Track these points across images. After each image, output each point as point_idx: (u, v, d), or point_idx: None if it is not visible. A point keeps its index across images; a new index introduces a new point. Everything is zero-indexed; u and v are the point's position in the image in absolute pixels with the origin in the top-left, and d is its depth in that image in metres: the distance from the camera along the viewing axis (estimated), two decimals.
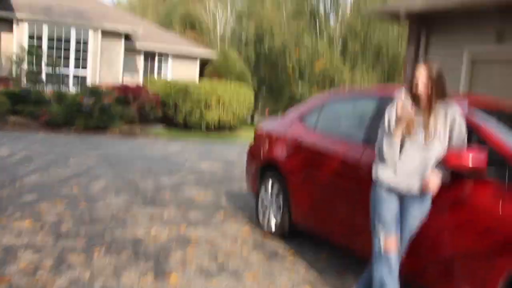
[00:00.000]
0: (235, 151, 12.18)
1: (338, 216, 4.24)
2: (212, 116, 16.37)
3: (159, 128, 15.57)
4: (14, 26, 16.38)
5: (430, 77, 3.17)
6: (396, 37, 26.79)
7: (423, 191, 3.17)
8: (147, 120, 15.55)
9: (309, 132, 4.96)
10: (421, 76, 3.19)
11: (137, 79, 19.43)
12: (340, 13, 29.45)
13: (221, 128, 17.20)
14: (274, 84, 28.82)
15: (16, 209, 5.28)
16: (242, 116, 17.91)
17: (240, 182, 7.99)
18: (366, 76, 26.74)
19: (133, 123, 14.57)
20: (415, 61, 8.93)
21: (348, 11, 29.02)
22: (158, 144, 12.41)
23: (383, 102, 4.05)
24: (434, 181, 3.14)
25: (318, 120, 5.01)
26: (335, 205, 4.29)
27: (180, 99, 15.95)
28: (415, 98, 3.23)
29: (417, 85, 3.20)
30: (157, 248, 4.46)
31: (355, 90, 5.14)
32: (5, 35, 16.51)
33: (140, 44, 19.52)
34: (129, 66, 19.13)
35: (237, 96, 16.93)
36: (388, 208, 3.24)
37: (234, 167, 9.60)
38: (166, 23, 31.83)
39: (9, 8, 16.44)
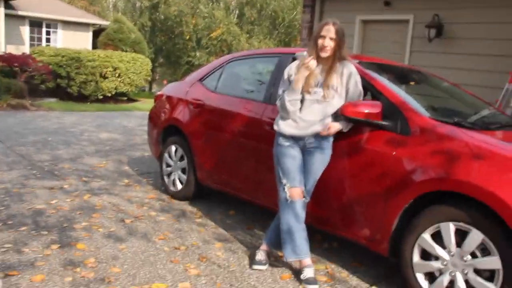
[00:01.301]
0: (134, 121, 11.89)
1: (243, 172, 4.33)
2: (109, 86, 15.83)
3: (52, 100, 14.73)
4: None
5: (337, 35, 3.28)
6: (291, 5, 27.30)
7: (323, 134, 3.31)
8: (38, 92, 14.62)
9: (210, 93, 4.96)
10: (330, 33, 3.27)
11: (23, 49, 18.11)
12: None
13: (118, 98, 16.68)
14: (171, 52, 28.29)
15: None
16: (140, 85, 17.52)
17: (142, 149, 7.85)
18: (263, 44, 27.07)
19: (22, 96, 13.62)
20: (311, 27, 9.20)
21: None
22: (52, 117, 11.75)
23: (283, 60, 4.15)
24: (334, 125, 3.31)
25: (219, 81, 5.02)
26: (240, 162, 4.37)
27: (73, 69, 15.17)
28: (317, 56, 3.33)
29: (323, 41, 3.28)
30: (60, 218, 4.28)
31: (255, 50, 5.20)
32: None
33: (24, 12, 18.15)
34: (12, 36, 17.75)
35: (134, 65, 16.49)
36: (292, 159, 3.37)
37: (134, 135, 9.38)
38: None
39: None
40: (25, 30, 18.65)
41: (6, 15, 17.00)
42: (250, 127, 4.26)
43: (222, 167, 4.62)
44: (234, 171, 4.46)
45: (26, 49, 18.24)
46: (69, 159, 6.82)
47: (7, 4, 17.10)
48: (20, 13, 17.96)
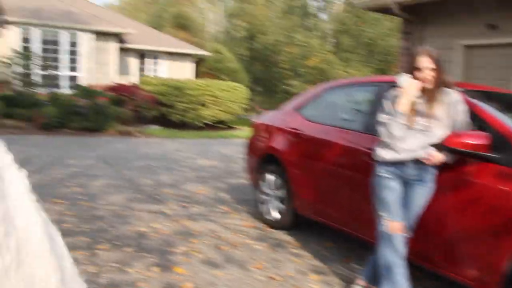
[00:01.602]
0: (232, 148, 12.17)
1: (341, 204, 4.26)
2: (208, 114, 16.39)
3: (155, 127, 15.55)
4: (5, 30, 16.31)
5: (433, 64, 3.17)
6: (389, 31, 26.87)
7: (426, 162, 3.18)
8: (143, 120, 15.52)
9: (307, 122, 4.97)
10: (425, 62, 3.17)
11: (132, 79, 19.39)
12: (332, 8, 29.50)
13: (217, 126, 17.20)
14: (268, 81, 28.85)
15: None
16: (238, 113, 17.95)
17: (240, 177, 7.99)
18: (360, 71, 26.81)
19: (129, 123, 14.54)
20: (410, 53, 8.94)
21: (340, 6, 29.06)
22: (155, 143, 12.39)
23: (382, 89, 4.06)
24: (437, 155, 3.16)
25: (316, 110, 5.02)
26: (336, 193, 4.31)
27: (175, 97, 15.95)
28: (419, 85, 3.22)
29: (421, 71, 3.18)
30: (160, 242, 4.46)
31: (352, 78, 5.16)
32: None
33: (133, 45, 19.49)
34: (123, 67, 19.10)
35: (232, 93, 16.97)
36: (392, 191, 3.25)
37: (232, 162, 9.60)
38: (157, 24, 31.76)
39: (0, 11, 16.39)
40: (134, 62, 19.99)
41: (119, 49, 18.38)
42: (347, 157, 4.20)
43: (319, 197, 4.57)
44: (330, 201, 4.40)
45: (134, 79, 19.50)
46: (170, 184, 7.11)
47: (120, 39, 18.49)
48: (130, 46, 19.32)
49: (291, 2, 29.38)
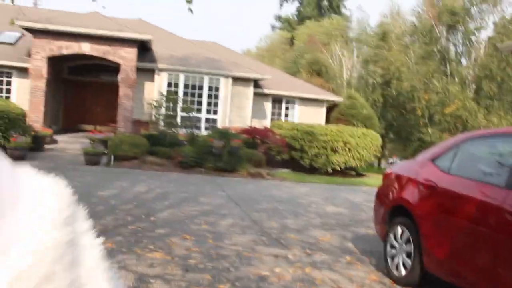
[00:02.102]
0: (361, 196, 11.84)
1: (480, 267, 3.84)
2: (338, 160, 16.26)
3: (285, 171, 15.74)
4: (156, 75, 17.88)
5: None
6: None
7: None
8: (273, 163, 15.81)
9: (443, 175, 4.63)
10: None
11: (265, 123, 19.97)
12: (473, 53, 28.02)
13: (347, 172, 16.96)
14: (402, 128, 27.95)
15: (150, 242, 5.54)
16: (369, 160, 17.56)
17: (367, 226, 7.68)
18: (503, 121, 24.85)
19: (260, 165, 14.89)
20: None
21: (482, 51, 27.50)
22: (284, 187, 12.50)
23: None
24: None
25: (453, 162, 4.67)
26: (474, 253, 3.90)
27: (306, 142, 16.06)
28: None
29: None
30: (280, 287, 4.38)
31: (495, 129, 4.74)
32: (148, 84, 18.02)
33: (268, 90, 20.15)
34: (257, 111, 19.78)
35: (364, 140, 16.70)
36: None
37: (360, 211, 9.30)
38: (293, 70, 32.70)
39: (153, 60, 18.05)
40: (268, 106, 20.62)
41: (254, 94, 19.13)
42: (488, 214, 3.81)
43: (453, 257, 4.18)
44: (466, 263, 4.00)
45: (267, 123, 20.08)
46: (295, 229, 7.05)
47: (256, 84, 19.28)
48: (265, 91, 20.02)
49: (429, 47, 28.45)
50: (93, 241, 0.61)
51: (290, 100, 20.97)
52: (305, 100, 20.96)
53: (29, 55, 16.60)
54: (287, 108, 21.06)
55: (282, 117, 20.84)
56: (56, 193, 0.59)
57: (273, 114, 20.82)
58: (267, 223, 7.27)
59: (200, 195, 9.50)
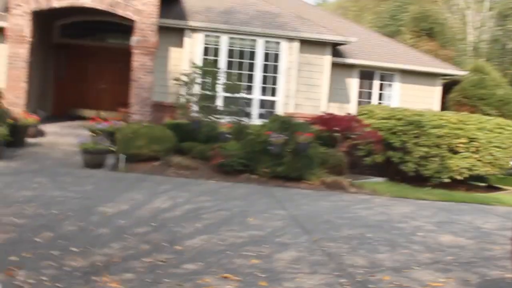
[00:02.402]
0: (494, 220, 11.52)
1: None
2: (460, 165, 15.95)
3: (378, 180, 15.52)
4: (186, 38, 17.98)
5: None
6: None
7: None
8: (360, 168, 15.65)
9: None
10: None
11: (348, 108, 19.73)
12: None
13: (472, 184, 16.57)
14: None
15: (173, 282, 5.53)
16: (507, 166, 17.08)
17: (502, 267, 7.44)
18: None
19: (340, 172, 14.73)
20: None
21: None
22: (376, 204, 12.31)
23: None
24: None
25: None
26: None
27: (411, 137, 15.77)
28: None
29: None
30: None
31: None
32: (174, 51, 18.10)
33: (353, 59, 19.93)
34: (336, 90, 19.60)
35: (500, 136, 16.30)
36: None
37: (491, 243, 9.04)
38: (391, 29, 32.27)
39: (182, 15, 18.11)
40: (353, 83, 20.34)
41: (333, 65, 18.93)
42: None
43: None
44: None
45: (351, 108, 19.82)
46: (392, 268, 6.91)
47: (335, 51, 19.07)
48: (348, 61, 19.75)
49: None
50: None
51: (387, 74, 20.69)
52: (410, 75, 20.61)
53: (5, 9, 16.98)
54: (381, 87, 20.77)
55: (374, 100, 20.59)
56: None
57: (360, 95, 20.61)
58: (349, 259, 7.17)
59: (249, 214, 9.47)
